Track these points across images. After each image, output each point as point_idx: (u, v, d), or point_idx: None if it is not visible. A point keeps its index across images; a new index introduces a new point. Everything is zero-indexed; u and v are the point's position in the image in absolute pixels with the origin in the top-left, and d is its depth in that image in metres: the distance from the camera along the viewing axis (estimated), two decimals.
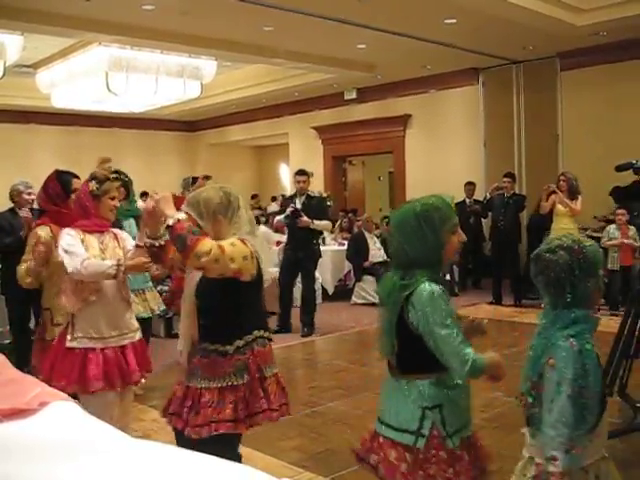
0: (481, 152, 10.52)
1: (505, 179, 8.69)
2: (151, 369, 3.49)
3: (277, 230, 8.91)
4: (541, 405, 1.93)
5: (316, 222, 7.02)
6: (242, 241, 2.50)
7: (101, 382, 3.12)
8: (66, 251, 3.10)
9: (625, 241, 7.62)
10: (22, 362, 3.70)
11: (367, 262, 9.03)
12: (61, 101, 10.75)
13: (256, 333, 2.59)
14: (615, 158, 4.45)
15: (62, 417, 1.53)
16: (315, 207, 7.11)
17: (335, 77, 10.94)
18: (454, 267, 9.19)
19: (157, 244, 2.73)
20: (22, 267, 3.62)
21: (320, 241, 7.95)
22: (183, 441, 2.50)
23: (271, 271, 7.28)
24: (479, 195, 9.74)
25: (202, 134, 15.94)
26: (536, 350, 1.99)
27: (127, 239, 3.43)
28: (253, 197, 14.84)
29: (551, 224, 7.83)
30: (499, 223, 8.65)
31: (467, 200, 9.77)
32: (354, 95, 12.13)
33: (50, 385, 2.64)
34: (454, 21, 7.81)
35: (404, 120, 11.62)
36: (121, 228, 3.91)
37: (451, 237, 2.13)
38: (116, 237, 3.37)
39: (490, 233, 9.09)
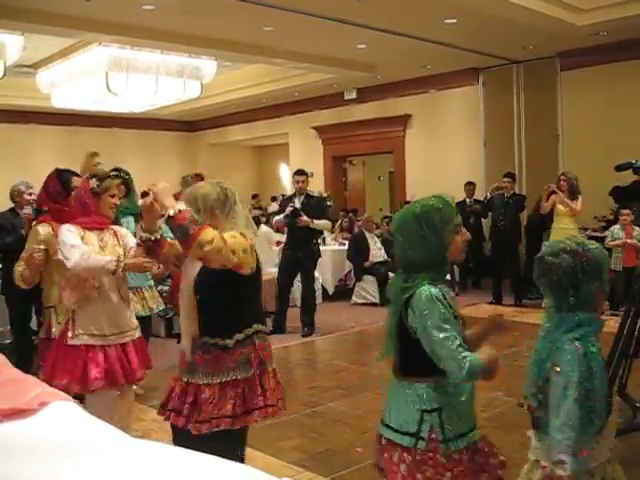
0: (481, 152, 10.52)
1: (505, 179, 8.68)
2: (151, 366, 3.50)
3: (278, 230, 8.92)
4: (547, 409, 1.92)
5: (316, 222, 7.01)
6: (241, 234, 2.51)
7: (102, 381, 3.12)
8: (65, 245, 3.09)
9: (629, 241, 7.48)
10: (24, 363, 3.70)
11: (367, 262, 9.04)
12: (61, 101, 10.75)
13: (256, 327, 2.60)
14: (615, 158, 4.44)
15: (62, 417, 1.53)
16: (314, 207, 7.11)
17: (335, 77, 10.93)
18: (454, 267, 9.18)
19: (153, 238, 2.73)
20: (19, 268, 3.61)
21: (320, 241, 7.94)
22: (181, 438, 2.50)
23: (270, 271, 7.34)
24: (479, 195, 9.74)
25: (202, 134, 15.93)
26: (540, 354, 1.98)
27: (127, 235, 3.42)
28: (253, 197, 14.85)
29: (550, 224, 7.82)
30: (499, 223, 8.65)
31: (467, 200, 9.75)
32: (354, 95, 12.13)
33: (52, 383, 2.65)
34: (454, 21, 7.81)
35: (404, 120, 11.62)
36: (119, 225, 3.90)
37: (455, 237, 2.12)
38: (116, 234, 3.37)
39: (490, 233, 9.08)
